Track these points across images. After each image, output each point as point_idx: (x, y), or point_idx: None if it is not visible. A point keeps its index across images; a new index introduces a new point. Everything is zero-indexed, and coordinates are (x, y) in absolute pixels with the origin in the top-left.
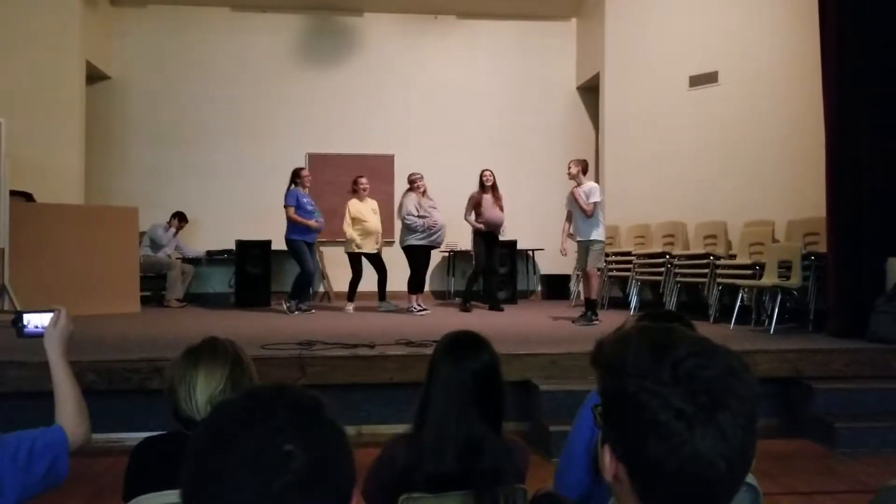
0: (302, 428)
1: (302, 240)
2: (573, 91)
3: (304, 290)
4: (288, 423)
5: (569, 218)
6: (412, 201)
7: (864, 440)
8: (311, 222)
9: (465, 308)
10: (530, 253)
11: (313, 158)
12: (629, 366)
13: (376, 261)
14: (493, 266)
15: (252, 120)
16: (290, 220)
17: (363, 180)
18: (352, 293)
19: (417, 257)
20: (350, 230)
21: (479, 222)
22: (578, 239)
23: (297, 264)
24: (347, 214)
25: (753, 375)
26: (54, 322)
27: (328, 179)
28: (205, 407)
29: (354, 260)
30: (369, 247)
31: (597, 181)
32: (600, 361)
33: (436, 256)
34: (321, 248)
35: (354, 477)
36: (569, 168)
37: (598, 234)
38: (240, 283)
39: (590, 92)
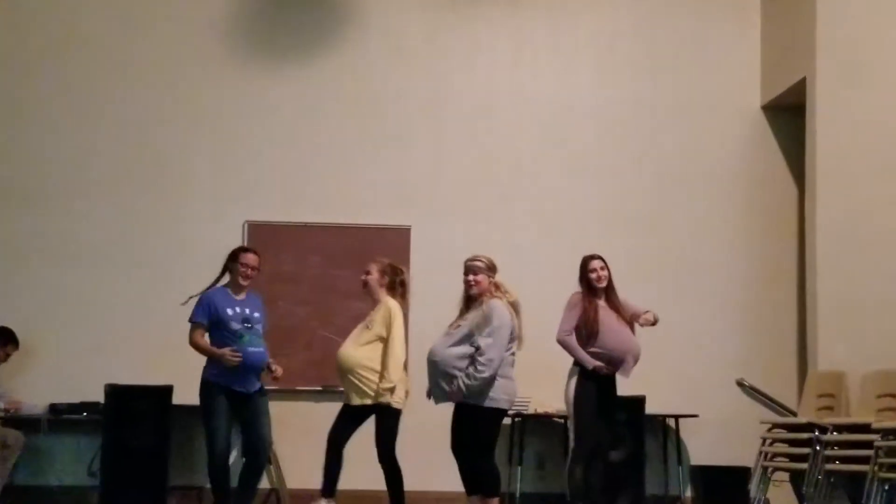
0: None
1: (218, 384)
2: (755, 112)
3: (220, 484)
4: None
5: None
6: (506, 325)
7: None
8: (227, 353)
9: None
10: (671, 422)
11: (257, 231)
12: None
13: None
14: (616, 442)
15: (146, 164)
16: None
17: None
18: (331, 485)
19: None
20: (399, 368)
21: (598, 356)
22: None
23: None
24: (396, 334)
25: None
26: None
27: (286, 271)
28: None
29: (392, 421)
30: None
31: (801, 270)
32: None
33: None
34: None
35: None
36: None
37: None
38: (111, 469)
39: (785, 114)
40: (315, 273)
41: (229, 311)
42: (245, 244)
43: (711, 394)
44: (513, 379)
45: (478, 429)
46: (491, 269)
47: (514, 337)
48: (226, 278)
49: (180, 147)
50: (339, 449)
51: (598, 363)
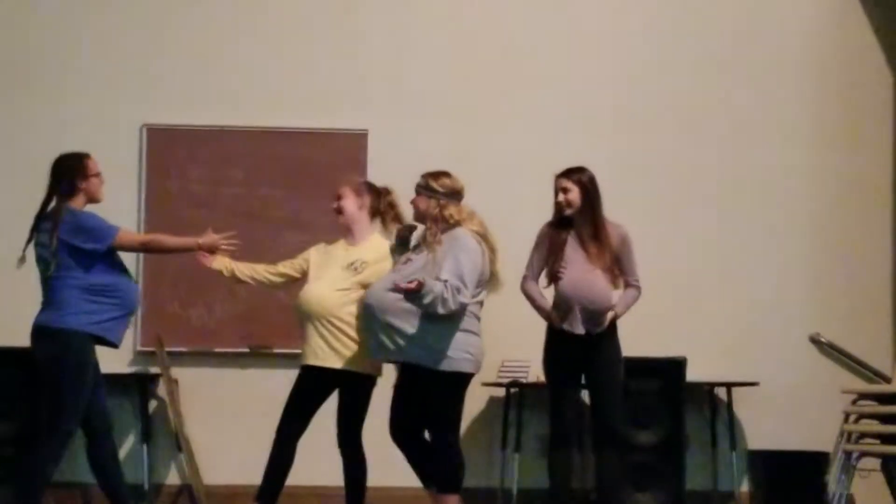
0: None
1: (90, 335)
2: None
3: (43, 477)
4: None
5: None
6: (474, 250)
7: None
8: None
9: None
10: (721, 393)
11: (158, 137)
12: None
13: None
14: (609, 421)
15: (13, 54)
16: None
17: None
18: (276, 484)
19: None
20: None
21: (557, 306)
22: None
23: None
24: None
25: None
26: None
27: (196, 191)
28: None
29: (365, 392)
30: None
31: None
32: None
33: (469, 394)
34: (171, 370)
35: None
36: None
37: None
38: None
39: None
40: (236, 193)
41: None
42: (144, 153)
43: (776, 355)
44: (479, 335)
45: (432, 400)
46: (431, 189)
47: (483, 281)
48: (79, 198)
49: (60, 29)
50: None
51: (551, 314)
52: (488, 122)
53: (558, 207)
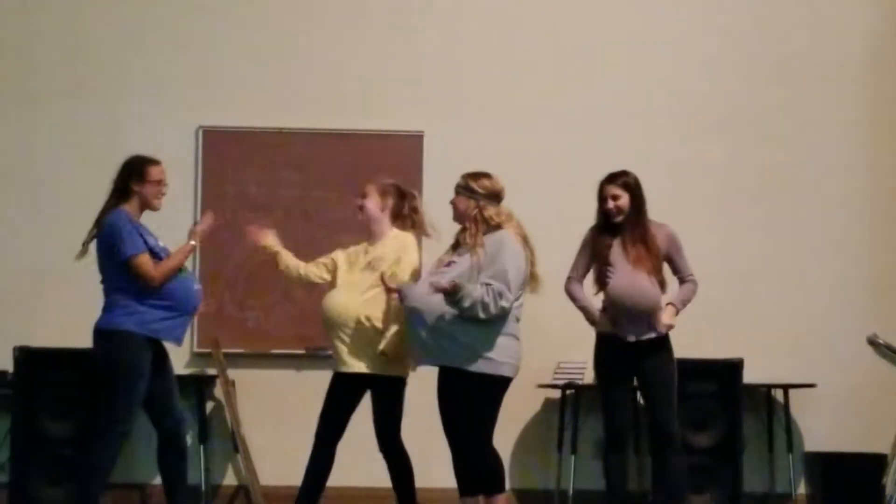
0: None
1: (145, 336)
2: None
3: (98, 477)
4: None
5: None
6: (518, 253)
7: None
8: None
9: None
10: (778, 395)
11: (215, 140)
12: None
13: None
14: (663, 424)
15: (70, 58)
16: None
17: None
18: (314, 488)
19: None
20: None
21: (604, 305)
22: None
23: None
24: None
25: None
26: None
27: (252, 193)
28: None
29: (395, 393)
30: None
31: None
32: None
33: (524, 395)
34: (228, 372)
35: None
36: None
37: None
38: (22, 460)
39: None
40: (292, 196)
41: (151, 242)
42: (200, 155)
43: (833, 356)
44: (519, 339)
45: (473, 404)
46: (472, 190)
47: (524, 284)
48: (134, 202)
49: (118, 31)
50: (329, 437)
51: (594, 315)
52: (543, 123)
53: (608, 214)
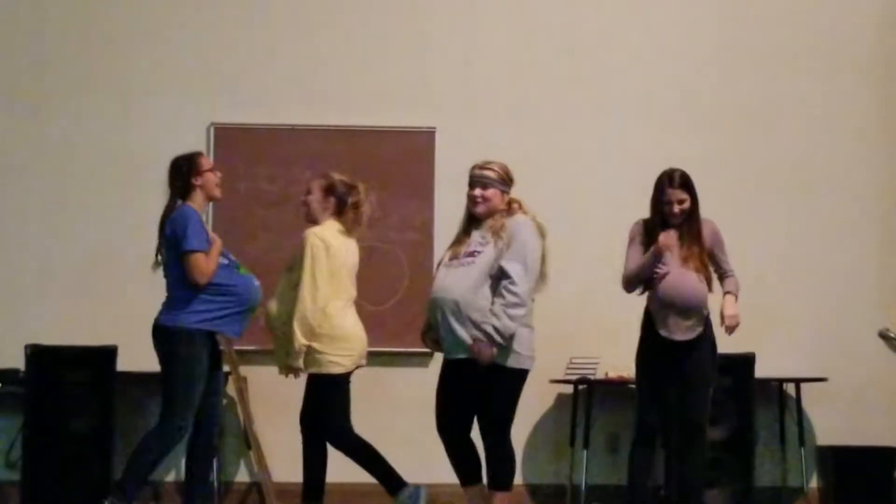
0: None
1: (210, 331)
2: None
3: (145, 468)
4: None
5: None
6: (537, 238)
7: None
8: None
9: None
10: (790, 389)
11: (227, 136)
12: None
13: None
14: (697, 420)
15: (76, 55)
16: (192, 285)
17: (360, 189)
18: (316, 484)
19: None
20: (317, 315)
21: (648, 309)
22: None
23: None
24: (314, 270)
25: None
26: None
27: (266, 190)
28: None
29: (333, 389)
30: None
31: None
32: None
33: (537, 391)
34: (241, 368)
35: None
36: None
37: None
38: (36, 458)
39: None
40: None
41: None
42: (212, 152)
43: (845, 350)
44: (533, 329)
45: (498, 397)
46: (505, 181)
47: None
48: (197, 196)
49: (128, 28)
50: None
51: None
52: (555, 119)
53: (673, 218)
